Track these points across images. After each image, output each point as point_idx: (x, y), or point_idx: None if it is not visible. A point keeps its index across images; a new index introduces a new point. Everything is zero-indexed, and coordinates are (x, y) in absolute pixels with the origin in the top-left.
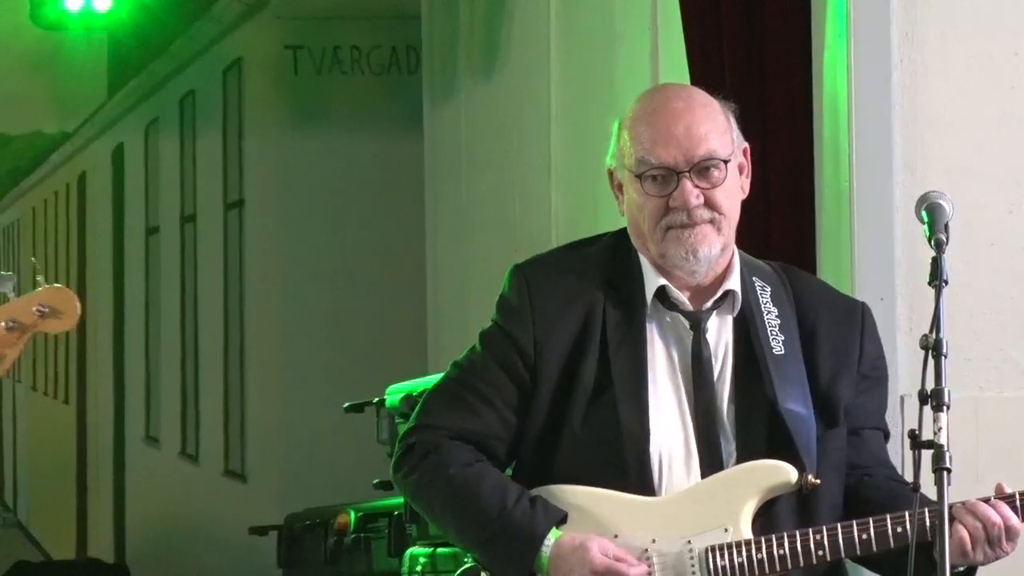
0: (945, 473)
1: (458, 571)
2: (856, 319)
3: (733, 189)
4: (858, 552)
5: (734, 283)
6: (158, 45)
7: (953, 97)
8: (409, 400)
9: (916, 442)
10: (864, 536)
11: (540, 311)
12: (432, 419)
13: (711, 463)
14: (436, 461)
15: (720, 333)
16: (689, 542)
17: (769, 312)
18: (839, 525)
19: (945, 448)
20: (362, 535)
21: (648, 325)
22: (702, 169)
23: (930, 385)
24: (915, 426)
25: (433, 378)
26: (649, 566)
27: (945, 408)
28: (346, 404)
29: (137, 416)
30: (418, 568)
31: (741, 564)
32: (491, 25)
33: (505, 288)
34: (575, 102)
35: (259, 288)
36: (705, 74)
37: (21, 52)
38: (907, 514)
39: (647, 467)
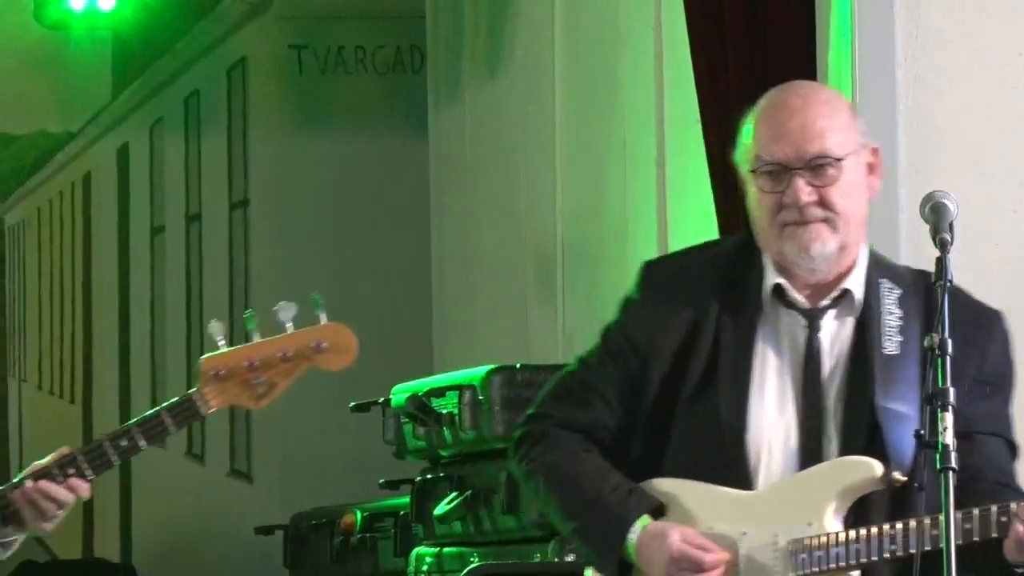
0: (950, 473)
1: (464, 571)
2: (984, 325)
3: (853, 187)
4: (928, 548)
5: (853, 282)
6: (162, 45)
7: (958, 96)
8: (415, 400)
9: (922, 442)
10: (935, 532)
11: (655, 308)
12: (545, 409)
13: (811, 460)
14: (543, 449)
15: (837, 332)
16: (776, 536)
17: (891, 313)
18: (911, 521)
19: (951, 448)
20: (368, 535)
21: (762, 322)
22: (815, 167)
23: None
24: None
25: (438, 378)
26: (736, 558)
27: (950, 408)
28: (352, 404)
29: None
30: (424, 568)
31: (820, 557)
32: (495, 25)
33: (632, 284)
34: (579, 102)
35: (264, 287)
36: (709, 74)
37: (25, 51)
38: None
39: (743, 461)
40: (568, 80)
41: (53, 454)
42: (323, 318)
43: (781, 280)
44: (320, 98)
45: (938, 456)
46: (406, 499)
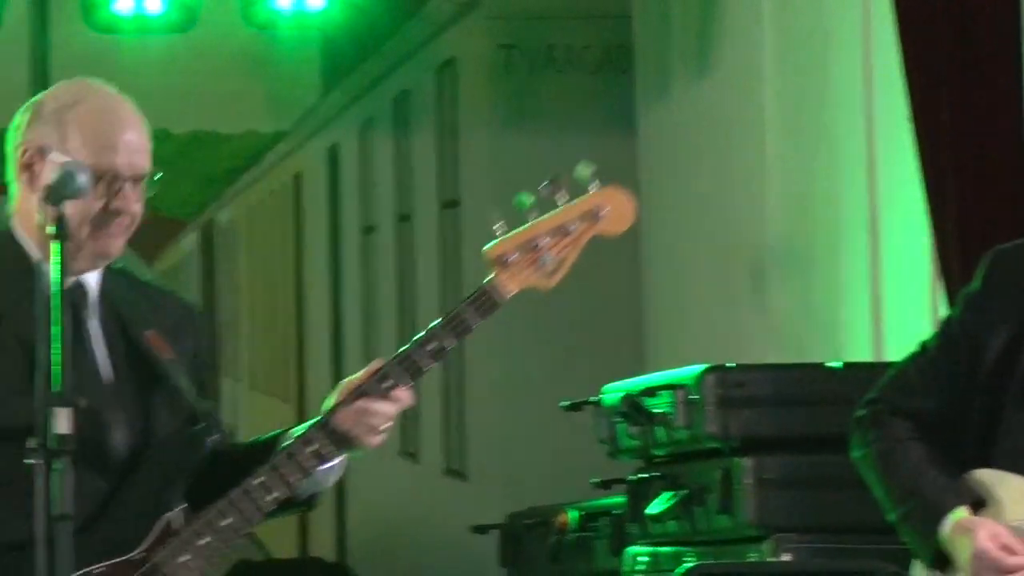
0: None
1: (679, 570)
2: None
3: None
4: None
5: None
6: (371, 45)
7: None
8: (628, 399)
9: None
10: None
11: (992, 299)
12: (881, 394)
13: None
14: (874, 436)
15: None
16: None
17: None
18: None
19: None
20: (583, 534)
21: None
22: None
23: None
24: None
25: (650, 377)
26: None
27: None
28: (564, 403)
29: None
30: (639, 567)
31: None
32: (704, 24)
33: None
34: (789, 100)
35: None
36: (919, 72)
37: (233, 52)
38: None
39: None
40: (777, 78)
41: (363, 370)
42: (593, 186)
43: None
44: (529, 98)
45: None
46: (619, 498)
